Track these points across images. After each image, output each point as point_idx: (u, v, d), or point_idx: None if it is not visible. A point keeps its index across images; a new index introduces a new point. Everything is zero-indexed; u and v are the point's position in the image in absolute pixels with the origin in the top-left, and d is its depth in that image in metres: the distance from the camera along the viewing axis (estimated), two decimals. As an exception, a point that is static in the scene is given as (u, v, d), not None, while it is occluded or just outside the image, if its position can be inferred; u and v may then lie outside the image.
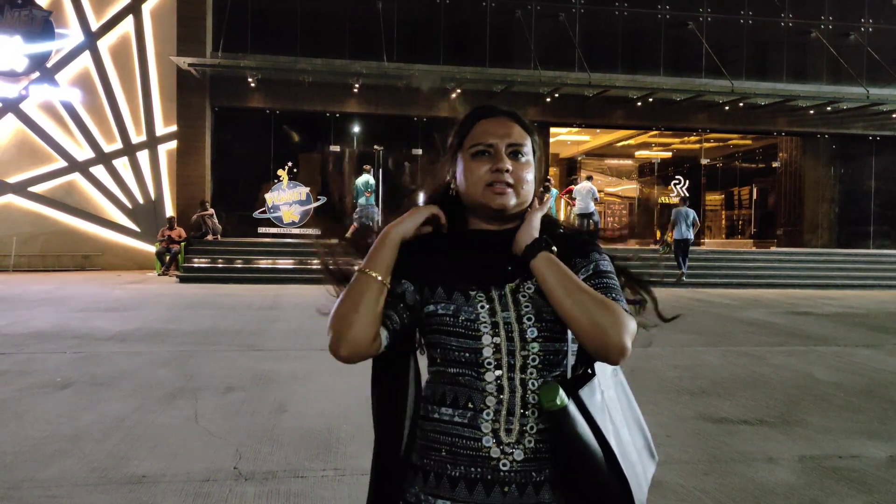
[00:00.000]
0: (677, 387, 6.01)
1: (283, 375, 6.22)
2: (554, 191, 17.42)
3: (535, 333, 1.34)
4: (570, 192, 17.13)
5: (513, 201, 1.40)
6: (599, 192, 18.00)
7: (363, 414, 5.20)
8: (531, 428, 1.33)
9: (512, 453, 1.32)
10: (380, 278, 1.33)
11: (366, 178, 16.58)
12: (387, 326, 1.36)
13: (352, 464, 4.04)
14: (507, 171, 1.39)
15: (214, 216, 17.02)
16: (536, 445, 1.32)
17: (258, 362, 6.77)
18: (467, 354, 1.35)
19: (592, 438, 1.29)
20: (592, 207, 16.63)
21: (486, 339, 1.34)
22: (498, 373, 1.33)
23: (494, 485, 1.32)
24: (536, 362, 1.34)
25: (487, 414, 1.33)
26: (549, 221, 1.47)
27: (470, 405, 1.34)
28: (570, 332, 1.33)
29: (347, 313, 1.31)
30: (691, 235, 15.45)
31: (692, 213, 15.78)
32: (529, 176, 1.43)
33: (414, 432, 1.42)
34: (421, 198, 1.55)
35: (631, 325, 1.28)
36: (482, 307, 1.36)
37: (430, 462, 1.37)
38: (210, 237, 16.73)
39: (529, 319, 1.35)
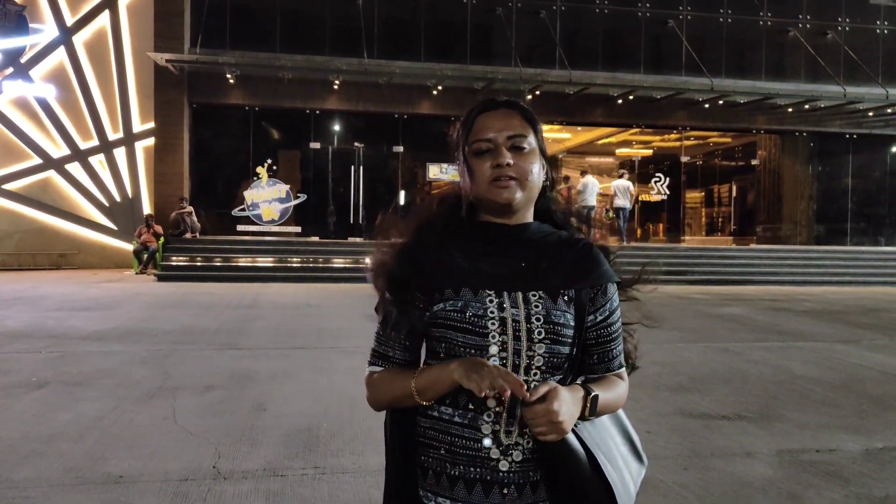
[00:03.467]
0: (657, 383, 6.03)
1: (262, 374, 6.17)
2: (593, 180, 17.86)
3: (543, 335, 1.32)
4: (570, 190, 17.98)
5: (518, 195, 1.36)
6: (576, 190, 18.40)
7: (343, 412, 5.20)
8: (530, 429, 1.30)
9: (511, 454, 1.31)
10: (416, 400, 1.35)
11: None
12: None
13: (332, 462, 4.01)
14: (509, 164, 1.35)
15: (193, 214, 16.86)
16: (535, 445, 1.31)
17: (237, 361, 6.71)
18: (472, 351, 1.31)
19: (579, 447, 1.28)
20: (594, 202, 17.39)
21: (494, 337, 1.31)
22: None
23: (493, 485, 1.31)
24: (541, 363, 1.32)
25: (488, 415, 1.31)
26: (561, 212, 1.49)
27: (470, 406, 1.32)
28: (574, 339, 1.37)
29: (386, 403, 1.41)
30: (629, 205, 17.89)
31: (630, 184, 18.11)
32: (534, 167, 1.38)
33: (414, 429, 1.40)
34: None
35: (627, 385, 1.47)
36: (490, 302, 1.33)
37: (429, 460, 1.36)
38: (188, 235, 16.58)
39: (538, 320, 1.32)
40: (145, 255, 16.12)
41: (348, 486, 3.68)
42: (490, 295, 1.33)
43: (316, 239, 17.72)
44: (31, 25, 17.05)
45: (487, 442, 1.31)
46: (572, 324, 1.35)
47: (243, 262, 16.02)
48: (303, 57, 16.97)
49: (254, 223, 17.94)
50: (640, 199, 22.43)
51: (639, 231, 22.31)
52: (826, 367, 6.88)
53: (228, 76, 17.11)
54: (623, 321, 1.48)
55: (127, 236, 17.17)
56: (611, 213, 17.92)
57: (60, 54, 17.33)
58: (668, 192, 20.88)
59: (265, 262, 16.01)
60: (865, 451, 4.38)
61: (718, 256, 17.88)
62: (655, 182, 21.14)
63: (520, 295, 1.33)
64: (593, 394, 1.31)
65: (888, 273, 17.24)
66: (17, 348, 7.19)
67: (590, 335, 1.40)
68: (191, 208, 16.88)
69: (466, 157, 1.40)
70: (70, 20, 17.36)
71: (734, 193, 22.01)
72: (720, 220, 22.91)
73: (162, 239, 16.15)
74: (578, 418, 1.29)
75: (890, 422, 5.05)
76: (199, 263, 15.70)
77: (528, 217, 1.42)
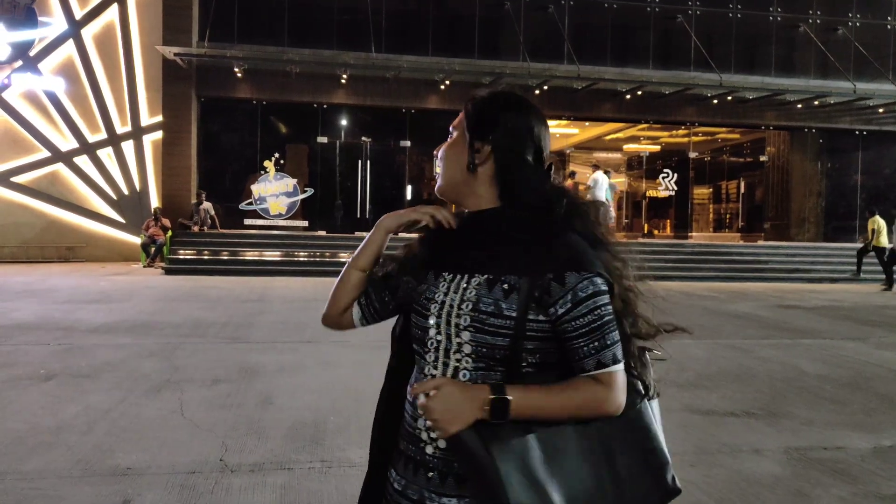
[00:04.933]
0: (664, 379, 5.97)
1: (269, 368, 6.18)
2: (603, 175, 17.58)
3: (468, 322, 1.29)
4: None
5: (439, 185, 1.45)
6: (583, 185, 18.43)
7: (350, 406, 5.20)
8: None
9: (437, 440, 1.31)
10: (354, 269, 1.50)
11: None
12: (360, 304, 1.52)
13: (339, 456, 4.01)
14: (436, 157, 1.45)
15: (210, 210, 16.89)
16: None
17: (245, 355, 6.73)
18: (419, 332, 1.37)
19: (476, 449, 1.19)
20: (603, 197, 17.28)
21: (432, 320, 1.34)
22: (436, 355, 1.33)
23: (420, 467, 1.33)
24: (469, 351, 1.29)
25: (422, 396, 1.30)
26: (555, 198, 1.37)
27: (415, 384, 1.34)
28: (511, 330, 1.27)
29: (330, 293, 1.53)
30: (603, 197, 17.06)
31: (607, 179, 17.68)
32: (449, 154, 1.43)
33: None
34: None
35: (614, 393, 1.26)
36: (441, 286, 1.36)
37: (399, 437, 1.42)
38: (195, 228, 16.60)
39: (467, 306, 1.30)
40: (153, 249, 16.17)
41: (355, 479, 3.68)
42: (444, 280, 1.36)
43: (323, 233, 17.75)
44: (39, 18, 17.08)
45: (421, 423, 1.34)
46: (507, 314, 1.27)
47: (250, 255, 16.05)
48: (310, 51, 16.97)
49: (261, 217, 17.97)
50: (647, 194, 22.39)
51: (646, 226, 22.26)
52: (834, 365, 6.85)
53: (236, 70, 17.12)
54: (639, 342, 1.37)
55: (135, 229, 17.22)
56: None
57: (69, 48, 17.37)
58: (675, 188, 20.81)
59: (272, 256, 16.03)
60: (874, 448, 4.37)
61: (726, 253, 17.81)
62: (663, 178, 21.08)
63: (463, 280, 1.33)
64: (493, 397, 1.20)
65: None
66: (25, 340, 7.22)
67: (557, 330, 1.28)
68: (208, 204, 16.90)
69: None
70: (79, 13, 17.39)
71: (742, 189, 21.91)
72: (728, 216, 22.81)
73: (169, 232, 16.20)
74: (488, 421, 1.20)
75: (898, 420, 5.03)
76: (206, 257, 15.73)
77: (486, 202, 1.38)
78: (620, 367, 1.28)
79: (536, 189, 1.36)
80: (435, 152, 1.47)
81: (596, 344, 1.26)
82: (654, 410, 1.37)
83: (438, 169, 1.46)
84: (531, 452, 1.20)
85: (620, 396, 1.27)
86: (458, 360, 1.30)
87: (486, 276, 1.31)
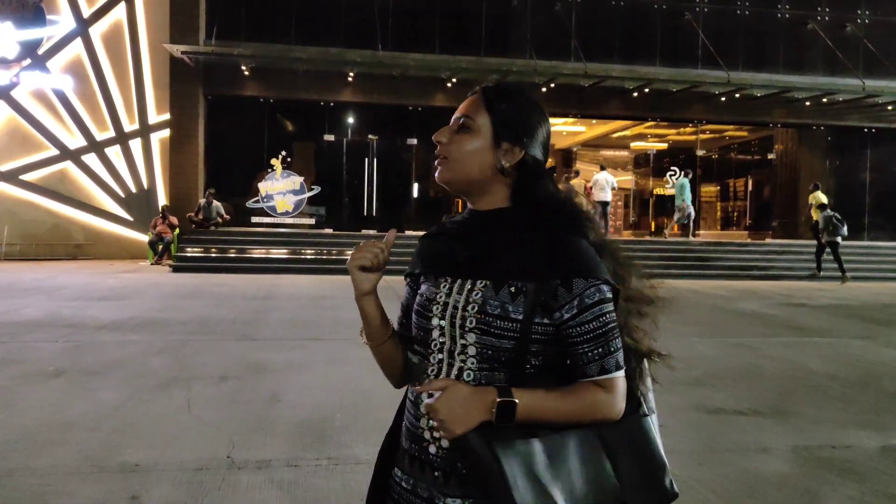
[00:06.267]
0: (672, 377, 5.96)
1: (277, 365, 6.20)
2: (605, 175, 17.64)
3: (473, 324, 1.29)
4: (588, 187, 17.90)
5: (446, 175, 1.39)
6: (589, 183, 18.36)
7: (357, 404, 5.21)
8: None
9: (440, 439, 1.30)
10: (369, 343, 1.47)
11: (682, 181, 18.12)
12: (411, 353, 1.48)
13: (346, 453, 4.02)
14: (440, 143, 1.40)
15: (218, 208, 16.89)
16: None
17: (252, 352, 6.75)
18: (422, 334, 1.38)
19: (483, 453, 1.20)
20: (608, 197, 17.31)
21: (435, 321, 1.35)
22: (440, 356, 1.33)
23: (426, 466, 1.33)
24: (473, 353, 1.30)
25: (424, 396, 1.31)
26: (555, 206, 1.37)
27: (417, 385, 1.36)
28: (516, 333, 1.27)
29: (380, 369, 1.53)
30: (609, 197, 17.51)
31: (611, 177, 17.80)
32: (465, 147, 1.37)
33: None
34: None
35: (615, 398, 1.28)
36: (444, 287, 1.36)
37: (401, 436, 1.42)
38: (192, 225, 16.55)
39: (473, 308, 1.30)
40: (160, 246, 16.23)
41: (362, 476, 3.69)
42: (446, 281, 1.36)
43: (329, 231, 17.77)
44: (48, 17, 17.17)
45: (423, 422, 1.34)
46: (514, 317, 1.27)
47: (258, 253, 16.09)
48: (317, 49, 16.98)
49: (268, 215, 18.01)
50: (654, 192, 22.34)
51: (653, 224, 22.22)
52: (842, 363, 6.82)
53: (243, 68, 17.15)
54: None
55: (142, 227, 17.29)
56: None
57: (77, 46, 17.44)
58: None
59: (279, 253, 16.07)
60: (882, 447, 4.35)
61: (734, 251, 17.75)
62: (670, 175, 21.02)
63: (468, 282, 1.33)
64: (501, 399, 1.20)
65: (906, 269, 17.04)
66: (35, 337, 7.26)
67: (560, 335, 1.29)
68: (217, 204, 16.88)
69: None
70: (87, 12, 17.47)
71: (750, 187, 21.83)
72: (736, 214, 22.75)
73: (177, 230, 16.25)
74: (491, 423, 1.20)
75: (907, 419, 5.01)
76: (213, 255, 15.78)
77: (498, 202, 1.38)
78: (622, 373, 1.30)
79: (551, 192, 1.38)
80: (435, 138, 1.41)
81: (600, 350, 1.28)
82: (652, 419, 1.41)
83: (441, 155, 1.40)
84: (535, 455, 1.21)
85: (621, 402, 1.29)
86: (463, 361, 1.30)
87: (492, 278, 1.31)
